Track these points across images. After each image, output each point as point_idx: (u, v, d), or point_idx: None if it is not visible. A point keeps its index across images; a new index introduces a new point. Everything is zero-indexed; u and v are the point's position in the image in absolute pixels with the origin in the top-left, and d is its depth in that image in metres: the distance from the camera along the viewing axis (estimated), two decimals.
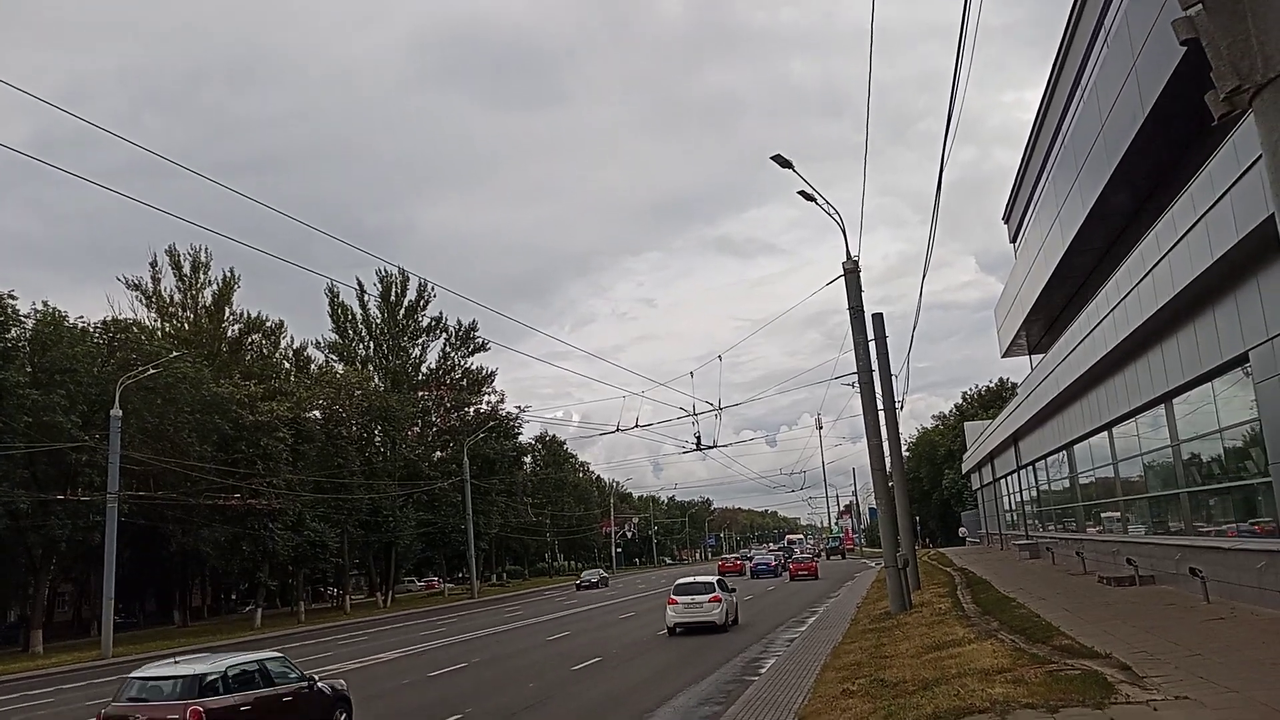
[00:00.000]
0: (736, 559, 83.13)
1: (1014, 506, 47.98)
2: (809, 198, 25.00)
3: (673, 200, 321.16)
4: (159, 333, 52.26)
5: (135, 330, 45.95)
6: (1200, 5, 2.12)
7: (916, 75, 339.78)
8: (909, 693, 11.39)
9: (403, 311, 69.99)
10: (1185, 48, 2.21)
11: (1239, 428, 16.81)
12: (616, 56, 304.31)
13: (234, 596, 65.32)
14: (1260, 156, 2.16)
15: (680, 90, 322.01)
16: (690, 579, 28.47)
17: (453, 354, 73.06)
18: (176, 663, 12.88)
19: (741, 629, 26.70)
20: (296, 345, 67.71)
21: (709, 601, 26.11)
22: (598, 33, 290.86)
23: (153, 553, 47.82)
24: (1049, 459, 35.76)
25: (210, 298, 58.41)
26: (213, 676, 12.18)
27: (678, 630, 25.80)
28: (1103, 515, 28.96)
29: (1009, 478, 47.30)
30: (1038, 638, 14.91)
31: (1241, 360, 15.45)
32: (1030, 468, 40.35)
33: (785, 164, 24.08)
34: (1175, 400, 19.88)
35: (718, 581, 27.90)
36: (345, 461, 54.34)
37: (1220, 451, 18.29)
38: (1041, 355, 35.70)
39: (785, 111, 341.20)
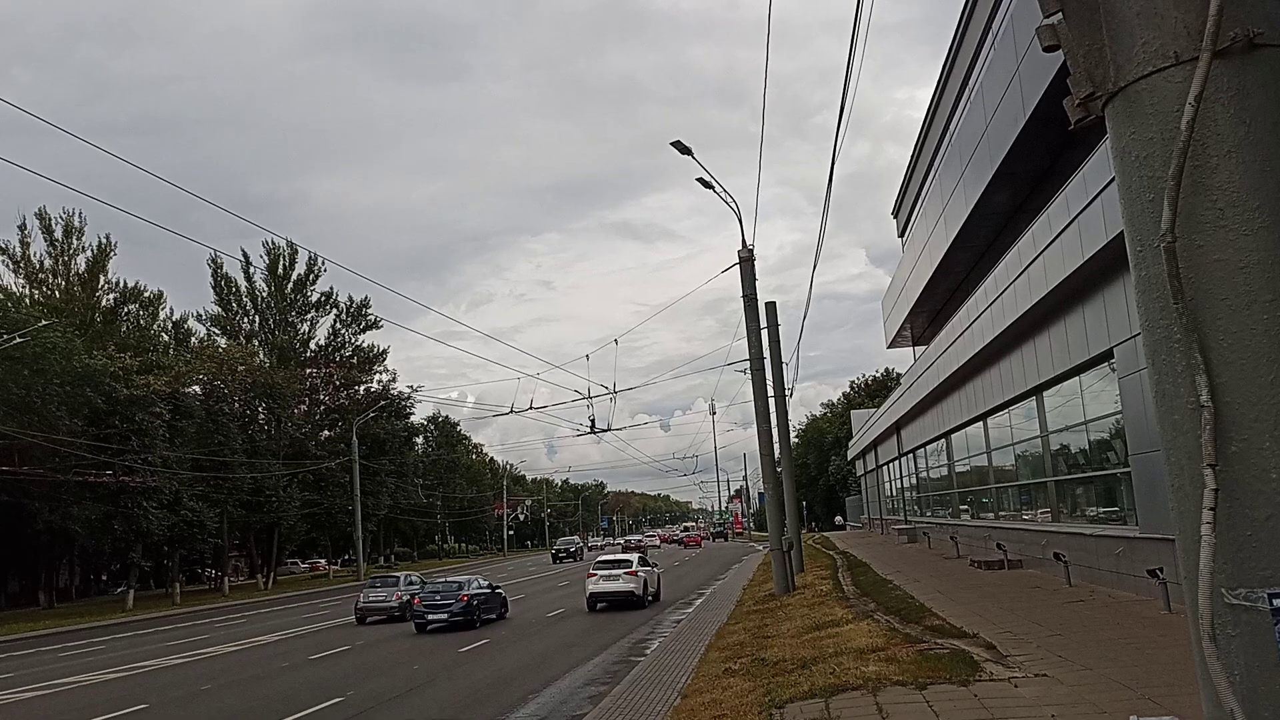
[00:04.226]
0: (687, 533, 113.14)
1: (895, 492, 49.58)
2: (707, 185, 25.24)
3: (573, 182, 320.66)
4: (27, 300, 49.52)
5: (1, 296, 43.50)
6: (1060, 13, 2.21)
7: (815, 69, 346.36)
8: (788, 671, 11.70)
9: (291, 285, 68.00)
10: (1050, 54, 2.32)
11: (1103, 420, 17.73)
12: (518, 34, 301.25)
13: (104, 577, 62.64)
14: None
15: (582, 71, 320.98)
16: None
17: (343, 331, 71.48)
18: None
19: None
20: (176, 317, 65.30)
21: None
22: (500, 8, 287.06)
23: (17, 531, 45.45)
24: (928, 447, 37.05)
25: (83, 265, 55.65)
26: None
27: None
28: (976, 502, 30.18)
29: (891, 465, 48.84)
30: (911, 618, 15.47)
31: (1107, 356, 16.28)
32: (911, 455, 41.74)
33: (684, 150, 24.24)
34: (1046, 393, 20.83)
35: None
36: (226, 439, 52.62)
37: (1086, 443, 19.26)
38: (924, 347, 36.92)
39: (686, 99, 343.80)
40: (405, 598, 28.53)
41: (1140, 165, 2.15)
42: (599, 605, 27.72)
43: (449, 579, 28.49)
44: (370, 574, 45.69)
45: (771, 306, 28.91)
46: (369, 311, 71.03)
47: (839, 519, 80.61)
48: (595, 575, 28.51)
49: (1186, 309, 2.02)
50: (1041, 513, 22.61)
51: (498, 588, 28.27)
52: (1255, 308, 1.98)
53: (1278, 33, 2.09)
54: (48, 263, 54.67)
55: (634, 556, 30.68)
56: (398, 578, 31.46)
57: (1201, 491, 1.98)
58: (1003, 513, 26.53)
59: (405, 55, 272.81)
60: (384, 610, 29.23)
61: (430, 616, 25.29)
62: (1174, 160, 2.03)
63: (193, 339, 64.52)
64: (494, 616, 26.94)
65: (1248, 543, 1.95)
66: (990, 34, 24.51)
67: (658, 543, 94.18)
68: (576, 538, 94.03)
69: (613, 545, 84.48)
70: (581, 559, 70.75)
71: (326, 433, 68.64)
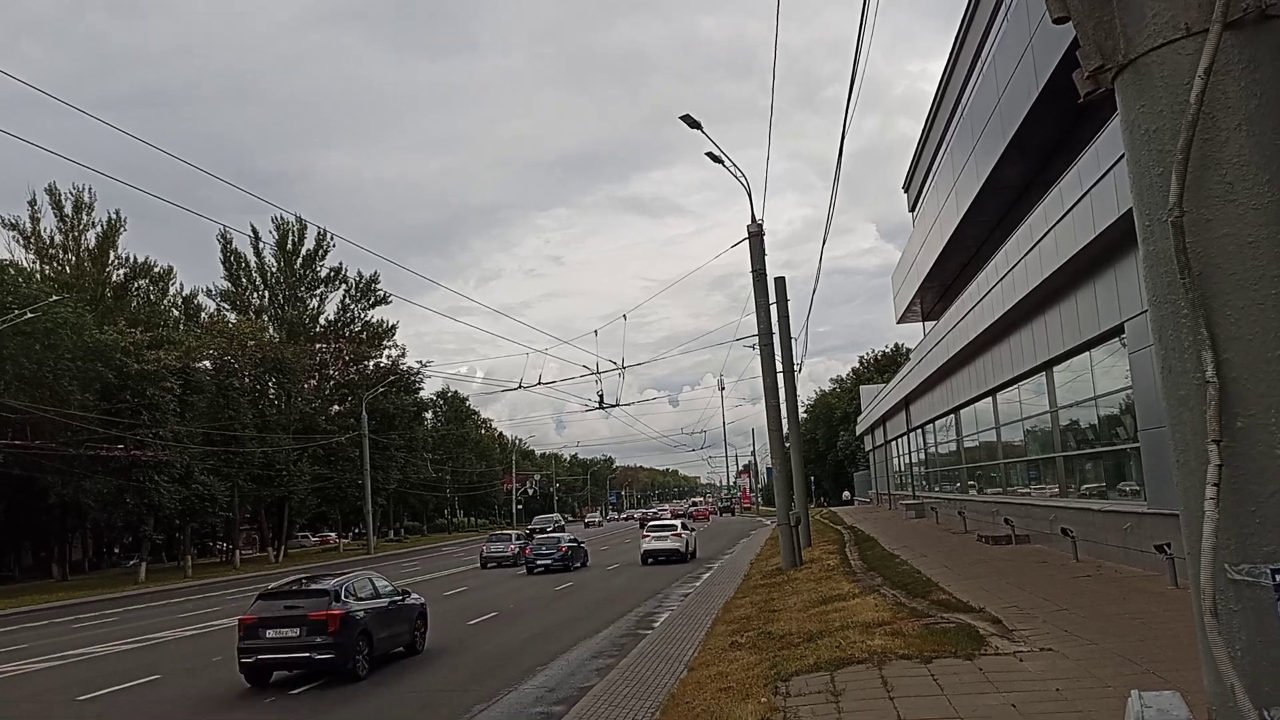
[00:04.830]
0: (695, 507, 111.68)
1: (903, 468, 49.60)
2: (717, 159, 25.13)
3: (582, 156, 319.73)
4: (38, 275, 49.70)
5: (12, 272, 43.66)
6: None
7: (825, 41, 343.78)
8: (794, 645, 11.76)
9: (300, 261, 68.02)
10: (1060, 25, 2.30)
11: (1113, 396, 17.67)
12: (526, 6, 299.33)
13: (117, 550, 63.22)
14: None
15: (590, 44, 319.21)
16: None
17: (352, 306, 71.54)
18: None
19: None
20: (186, 292, 65.50)
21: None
22: None
23: (30, 504, 45.89)
24: (937, 422, 37.01)
25: (94, 240, 55.83)
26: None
27: None
28: (985, 477, 30.18)
29: (899, 440, 48.82)
30: (918, 593, 15.52)
31: (1118, 331, 16.20)
32: (920, 430, 41.72)
33: (694, 125, 24.12)
34: (1056, 368, 20.76)
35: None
36: (237, 414, 52.93)
37: (1095, 418, 19.22)
38: (934, 322, 36.79)
39: (695, 71, 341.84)
40: (515, 549, 39.20)
41: (1149, 139, 2.12)
42: (649, 560, 33.97)
43: (550, 535, 39.31)
44: (380, 544, 50.44)
45: (781, 281, 28.84)
46: (378, 287, 71.10)
47: (847, 494, 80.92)
48: (648, 536, 35.37)
49: (1194, 284, 2.01)
50: (1048, 488, 22.60)
51: (582, 542, 37.75)
52: (1263, 283, 1.96)
53: None
54: (58, 238, 54.88)
55: (678, 522, 39.10)
56: (509, 535, 43.66)
57: (1206, 467, 1.97)
58: (1011, 488, 26.52)
59: (412, 29, 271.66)
60: (501, 558, 39.43)
61: (539, 562, 34.03)
62: (1183, 133, 2.01)
63: (203, 314, 64.79)
64: (579, 564, 35.06)
65: (1251, 519, 1.95)
66: (1003, 5, 24.23)
67: (669, 516, 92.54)
68: (557, 515, 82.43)
69: (660, 511, 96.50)
70: None
71: (336, 407, 68.91)
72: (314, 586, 15.27)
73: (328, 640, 13.94)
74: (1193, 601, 2.08)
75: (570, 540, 36.19)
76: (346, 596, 14.83)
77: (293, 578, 16.43)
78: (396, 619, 16.06)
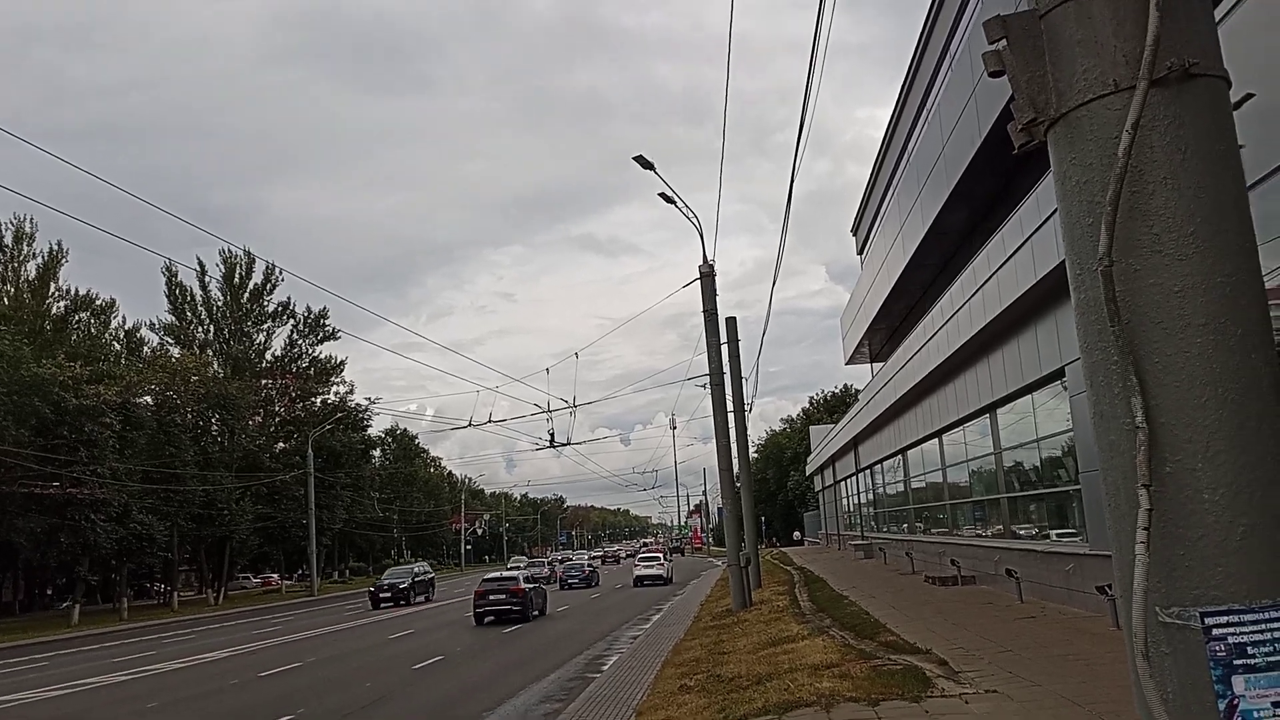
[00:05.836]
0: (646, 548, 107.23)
1: (852, 508, 49.88)
2: (669, 200, 25.34)
3: (537, 195, 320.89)
4: None
5: None
6: (1004, 39, 2.25)
7: (777, 88, 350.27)
8: (743, 688, 11.69)
9: (247, 295, 67.08)
10: (996, 79, 2.36)
11: (1055, 438, 17.98)
12: (484, 48, 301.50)
13: (50, 592, 61.09)
14: None
15: (547, 86, 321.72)
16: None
17: (300, 341, 70.63)
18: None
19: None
20: (129, 326, 64.12)
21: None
22: (465, 22, 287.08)
23: None
24: (885, 463, 37.33)
25: (34, 271, 54.76)
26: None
27: None
28: (931, 518, 30.44)
29: (848, 480, 49.13)
30: (866, 634, 15.54)
31: (1059, 375, 16.52)
32: (868, 471, 42.04)
33: (647, 165, 24.35)
34: (1000, 410, 21.09)
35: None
36: (178, 451, 51.77)
37: (1038, 460, 19.52)
38: (882, 364, 37.23)
39: (651, 115, 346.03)
40: (548, 571, 53.30)
41: (1080, 190, 2.18)
42: (639, 584, 44.20)
43: (575, 561, 55.88)
44: (325, 586, 50.15)
45: (732, 322, 29.03)
46: (327, 322, 70.35)
47: (797, 534, 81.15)
48: (638, 565, 47.48)
49: (1123, 332, 2.06)
50: (992, 529, 22.85)
51: (596, 568, 52.44)
52: (1189, 331, 2.01)
53: (1213, 62, 2.15)
54: None
55: (661, 554, 52.57)
56: (544, 560, 62.54)
57: (1136, 511, 2.01)
58: (957, 529, 26.78)
59: (369, 67, 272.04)
60: (539, 579, 47.11)
61: (569, 580, 47.36)
62: (1112, 185, 2.06)
63: (145, 348, 63.42)
64: (595, 584, 47.36)
65: (1180, 562, 1.98)
66: (947, 56, 24.90)
67: (622, 555, 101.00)
68: (423, 565, 54.44)
69: (617, 551, 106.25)
70: (422, 596, 46.55)
71: (281, 445, 67.68)
72: (507, 574, 32.73)
73: (519, 600, 28.74)
74: (1126, 644, 2.11)
75: (589, 565, 50.81)
76: (524, 580, 30.30)
77: (496, 572, 34.40)
78: (539, 595, 30.89)
